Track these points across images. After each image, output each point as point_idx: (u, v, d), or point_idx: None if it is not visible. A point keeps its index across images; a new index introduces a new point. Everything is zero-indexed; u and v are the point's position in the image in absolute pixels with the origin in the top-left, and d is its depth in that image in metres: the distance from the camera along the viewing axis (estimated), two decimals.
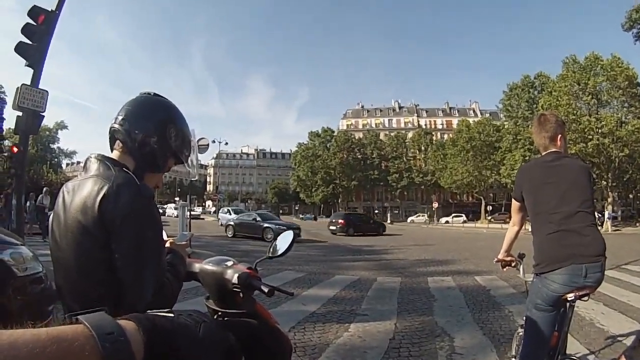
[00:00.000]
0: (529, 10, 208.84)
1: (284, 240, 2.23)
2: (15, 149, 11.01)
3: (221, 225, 36.84)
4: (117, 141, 1.75)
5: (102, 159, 1.65)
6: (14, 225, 11.08)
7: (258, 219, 27.31)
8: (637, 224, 50.20)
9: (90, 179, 1.57)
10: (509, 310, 7.29)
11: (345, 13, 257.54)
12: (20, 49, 10.02)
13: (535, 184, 3.24)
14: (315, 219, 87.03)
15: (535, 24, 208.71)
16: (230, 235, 27.24)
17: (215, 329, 0.79)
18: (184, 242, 2.07)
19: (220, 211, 44.23)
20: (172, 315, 0.75)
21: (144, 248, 1.51)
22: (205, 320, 0.79)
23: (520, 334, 3.72)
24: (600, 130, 43.68)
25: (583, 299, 3.05)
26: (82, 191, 1.55)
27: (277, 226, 25.08)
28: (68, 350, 0.56)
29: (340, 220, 35.65)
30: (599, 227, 3.18)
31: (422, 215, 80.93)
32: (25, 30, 10.08)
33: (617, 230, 42.03)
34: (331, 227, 35.98)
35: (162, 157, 1.81)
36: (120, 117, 1.74)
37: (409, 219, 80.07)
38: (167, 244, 1.93)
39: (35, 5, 10.21)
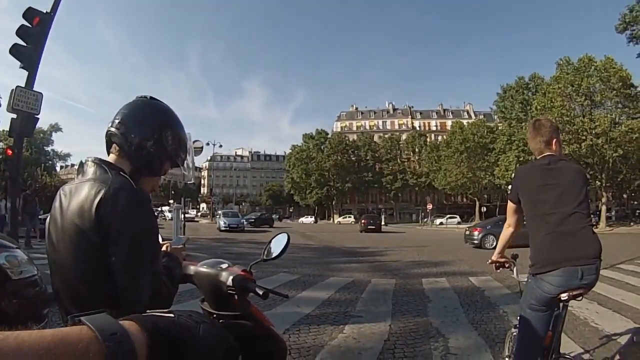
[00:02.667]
0: (524, 14, 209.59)
1: (278, 243, 2.24)
2: (9, 152, 10.98)
3: (219, 229, 38.37)
4: (114, 145, 1.76)
5: (99, 163, 1.66)
6: (8, 228, 11.04)
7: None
8: (632, 224, 50.40)
9: (87, 182, 1.58)
10: (503, 311, 7.32)
11: (341, 17, 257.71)
12: (15, 51, 9.99)
13: (532, 186, 3.28)
14: (316, 221, 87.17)
15: (530, 26, 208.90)
16: None
17: (215, 330, 0.80)
18: (179, 246, 2.09)
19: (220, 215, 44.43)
20: (172, 315, 0.76)
21: (140, 251, 1.52)
22: (205, 321, 0.80)
23: (514, 333, 3.75)
24: (594, 131, 43.77)
25: (577, 298, 3.09)
26: (79, 195, 1.56)
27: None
28: (73, 351, 0.56)
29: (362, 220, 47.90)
30: (595, 227, 3.21)
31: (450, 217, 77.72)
32: (20, 32, 10.04)
33: (611, 229, 42.14)
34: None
35: (159, 161, 1.82)
36: (116, 121, 1.75)
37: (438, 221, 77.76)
38: (163, 248, 1.94)
39: (30, 7, 10.17)
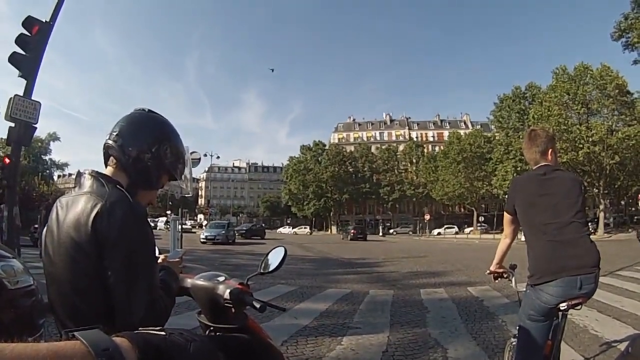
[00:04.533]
0: (519, 24, 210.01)
1: (275, 257, 2.25)
2: (7, 160, 10.96)
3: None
4: (111, 157, 1.76)
5: (96, 176, 1.66)
6: (5, 237, 11.00)
7: None
8: (630, 230, 50.45)
9: (84, 195, 1.58)
10: (502, 320, 7.31)
11: (338, 28, 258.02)
12: (14, 59, 10.01)
13: (529, 196, 3.29)
14: (311, 232, 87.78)
15: (526, 36, 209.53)
16: None
17: (205, 348, 0.81)
18: (176, 259, 2.08)
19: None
20: (164, 333, 0.77)
21: (137, 265, 1.51)
22: (196, 339, 0.81)
23: (513, 343, 3.74)
24: (590, 139, 43.97)
25: (576, 307, 3.09)
26: (75, 207, 1.56)
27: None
28: None
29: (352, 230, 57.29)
30: (593, 234, 3.22)
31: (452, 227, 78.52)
32: (19, 41, 10.07)
33: (609, 236, 42.21)
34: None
35: (156, 174, 1.82)
36: (114, 134, 1.74)
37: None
38: (160, 260, 1.94)
39: (29, 16, 10.21)
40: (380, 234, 76.68)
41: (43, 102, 10.51)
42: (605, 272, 11.20)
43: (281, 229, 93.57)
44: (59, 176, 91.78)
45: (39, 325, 4.60)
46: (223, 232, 38.88)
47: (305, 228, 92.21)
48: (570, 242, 3.05)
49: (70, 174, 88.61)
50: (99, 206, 1.50)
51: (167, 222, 48.44)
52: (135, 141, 1.74)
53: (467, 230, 69.87)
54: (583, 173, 44.26)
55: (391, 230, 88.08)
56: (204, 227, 47.00)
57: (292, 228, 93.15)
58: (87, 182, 1.65)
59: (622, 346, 5.51)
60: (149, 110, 1.88)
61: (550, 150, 3.39)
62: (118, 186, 1.64)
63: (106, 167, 1.78)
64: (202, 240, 36.96)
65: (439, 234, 72.64)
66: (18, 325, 4.14)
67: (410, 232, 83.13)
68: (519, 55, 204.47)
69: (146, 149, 1.75)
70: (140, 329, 0.79)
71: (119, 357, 0.63)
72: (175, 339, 0.77)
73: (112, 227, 1.48)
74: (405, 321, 7.49)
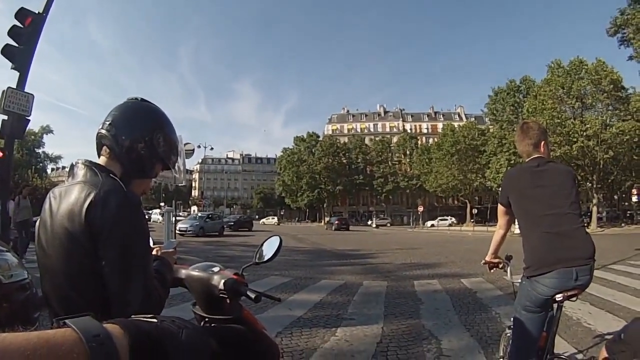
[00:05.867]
0: (515, 17, 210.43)
1: (270, 247, 2.24)
2: (0, 154, 10.91)
3: None
4: (104, 147, 1.75)
5: (89, 165, 1.65)
6: None
7: None
8: (622, 224, 50.77)
9: (77, 185, 1.57)
10: (495, 312, 7.35)
11: (333, 20, 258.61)
12: (6, 51, 9.95)
13: (523, 188, 3.29)
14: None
15: (521, 29, 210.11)
16: None
17: (198, 336, 0.81)
18: (170, 250, 2.07)
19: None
20: (155, 320, 0.77)
21: (131, 255, 1.51)
22: (188, 326, 0.80)
23: (508, 334, 3.76)
24: (585, 133, 43.94)
25: (571, 299, 3.09)
26: (69, 197, 1.55)
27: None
28: (58, 352, 0.57)
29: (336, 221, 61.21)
30: (587, 228, 3.22)
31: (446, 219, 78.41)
32: (12, 32, 10.01)
33: (602, 230, 42.35)
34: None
35: (150, 163, 1.81)
36: (107, 123, 1.73)
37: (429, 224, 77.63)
38: (154, 252, 1.93)
39: (22, 7, 10.14)
40: (374, 225, 77.68)
41: (36, 95, 10.46)
42: (599, 266, 11.17)
43: (264, 220, 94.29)
44: (52, 169, 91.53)
45: (34, 319, 4.60)
46: (197, 223, 36.51)
47: (273, 219, 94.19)
48: (565, 234, 3.05)
49: (63, 167, 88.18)
50: (92, 195, 1.49)
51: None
52: (128, 130, 1.73)
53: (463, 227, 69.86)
54: (577, 167, 44.23)
55: (369, 222, 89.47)
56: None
57: (274, 219, 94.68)
58: (81, 171, 1.64)
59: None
60: (142, 99, 1.87)
61: (542, 143, 3.40)
62: (112, 175, 1.63)
63: (99, 157, 1.77)
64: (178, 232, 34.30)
65: (432, 225, 72.69)
66: (12, 319, 4.13)
67: (389, 224, 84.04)
68: (514, 49, 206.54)
69: (139, 138, 1.74)
70: (132, 316, 0.78)
71: (110, 343, 0.63)
72: (166, 326, 0.76)
73: (106, 216, 1.47)
74: (399, 312, 7.52)
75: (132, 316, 0.78)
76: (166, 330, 0.75)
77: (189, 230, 34.72)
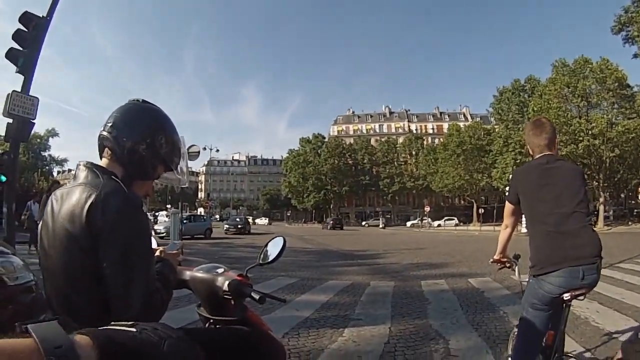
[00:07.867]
0: (519, 18, 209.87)
1: (274, 247, 2.23)
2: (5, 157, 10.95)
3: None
4: (106, 149, 1.75)
5: (91, 167, 1.64)
6: (4, 233, 10.99)
7: None
8: (629, 223, 50.65)
9: (79, 187, 1.56)
10: (503, 312, 7.29)
11: (337, 22, 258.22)
12: (11, 55, 9.99)
13: (531, 186, 3.26)
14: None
15: (526, 30, 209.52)
16: None
17: (182, 345, 0.77)
18: (174, 251, 2.06)
19: None
20: (134, 330, 0.73)
21: (132, 257, 1.49)
22: (172, 335, 0.77)
23: (516, 333, 3.74)
24: (590, 132, 43.95)
25: (579, 298, 3.06)
26: (70, 199, 1.54)
27: None
28: None
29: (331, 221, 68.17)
30: (593, 227, 3.19)
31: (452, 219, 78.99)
32: (16, 36, 10.05)
33: (609, 229, 42.21)
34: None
35: (151, 165, 1.80)
36: (109, 125, 1.73)
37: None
38: (157, 253, 1.91)
39: (26, 12, 10.19)
40: (381, 226, 77.39)
41: (41, 99, 10.50)
42: (606, 265, 11.11)
43: (257, 220, 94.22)
44: (58, 172, 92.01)
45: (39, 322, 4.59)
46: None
47: (264, 219, 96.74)
48: (572, 233, 3.02)
49: (69, 170, 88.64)
50: (93, 197, 1.48)
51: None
52: (130, 132, 1.72)
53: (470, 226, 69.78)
54: (583, 166, 43.89)
55: (363, 222, 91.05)
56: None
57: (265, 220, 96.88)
58: (82, 173, 1.63)
59: (623, 337, 5.53)
60: (144, 101, 1.87)
61: (556, 140, 3.39)
62: (113, 177, 1.62)
63: (101, 158, 1.76)
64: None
65: (439, 225, 72.69)
66: (17, 321, 4.12)
67: (383, 225, 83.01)
68: (518, 49, 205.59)
69: (141, 139, 1.73)
70: (112, 323, 0.75)
71: (73, 355, 0.60)
72: (146, 337, 0.73)
73: (106, 217, 1.46)
74: (406, 312, 7.48)
75: (112, 323, 0.75)
76: (145, 340, 0.72)
77: (163, 233, 30.77)
